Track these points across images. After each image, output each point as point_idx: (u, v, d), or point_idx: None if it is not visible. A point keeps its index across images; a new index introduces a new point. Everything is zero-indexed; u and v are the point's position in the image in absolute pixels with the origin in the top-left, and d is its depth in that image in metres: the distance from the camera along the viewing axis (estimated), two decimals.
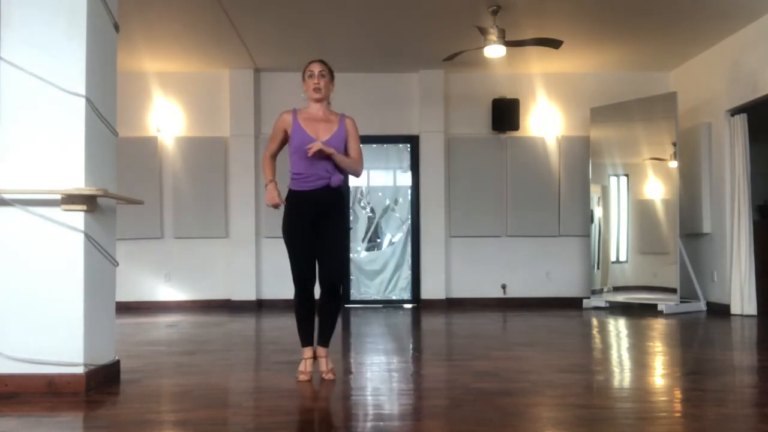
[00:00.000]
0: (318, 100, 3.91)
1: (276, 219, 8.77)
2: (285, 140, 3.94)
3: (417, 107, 9.00)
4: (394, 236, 9.19)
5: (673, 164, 8.08)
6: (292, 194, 3.91)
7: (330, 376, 3.89)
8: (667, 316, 7.52)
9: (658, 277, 8.26)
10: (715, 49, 8.03)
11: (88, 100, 3.66)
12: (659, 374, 4.22)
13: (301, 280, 3.91)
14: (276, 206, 3.88)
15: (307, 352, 3.94)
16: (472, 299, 8.94)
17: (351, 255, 9.13)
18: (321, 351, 3.96)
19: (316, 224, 3.87)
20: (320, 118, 3.91)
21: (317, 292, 3.91)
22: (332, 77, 3.98)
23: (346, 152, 3.93)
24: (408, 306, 8.91)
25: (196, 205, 8.87)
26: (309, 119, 3.90)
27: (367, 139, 8.85)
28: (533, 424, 3.00)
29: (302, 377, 3.87)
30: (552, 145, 9.12)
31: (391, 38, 7.74)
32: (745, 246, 7.44)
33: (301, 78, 3.98)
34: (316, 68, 3.90)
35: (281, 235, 3.97)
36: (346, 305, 8.91)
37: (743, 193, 7.50)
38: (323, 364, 3.93)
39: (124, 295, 7.11)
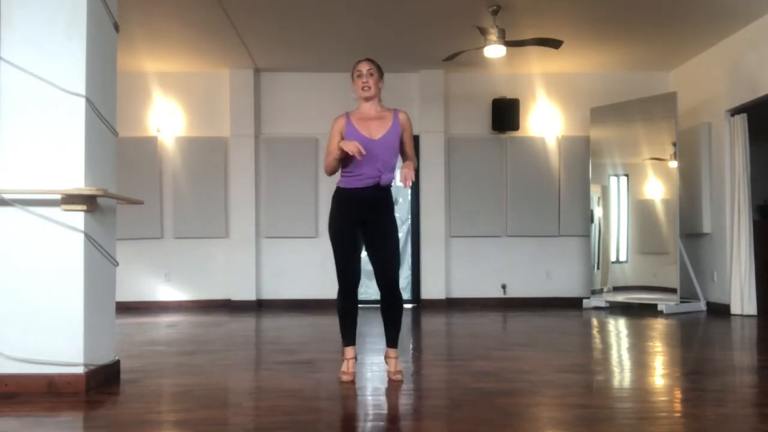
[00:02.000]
0: (368, 99, 3.88)
1: (276, 219, 8.82)
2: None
3: (417, 107, 9.00)
4: None
5: (673, 164, 8.07)
6: (340, 192, 3.87)
7: (398, 377, 3.83)
8: (667, 316, 7.52)
9: (658, 277, 8.26)
10: (715, 49, 8.02)
11: (88, 100, 3.66)
12: (659, 374, 4.22)
13: (346, 279, 3.83)
14: (359, 151, 3.62)
15: (349, 352, 3.89)
16: (472, 299, 8.94)
17: None
18: (390, 352, 3.90)
19: (366, 223, 3.82)
20: (372, 116, 3.88)
21: (370, 292, 3.86)
22: (381, 75, 3.94)
23: (401, 147, 3.89)
24: (408, 306, 8.92)
25: (196, 205, 8.87)
26: (361, 119, 3.87)
27: None
28: (533, 424, 3.00)
29: (345, 377, 3.82)
30: (552, 145, 9.12)
31: (391, 38, 7.73)
32: (745, 246, 7.44)
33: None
34: (364, 67, 3.88)
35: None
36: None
37: (743, 193, 7.49)
38: (392, 365, 3.88)
39: (124, 295, 7.11)
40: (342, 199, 3.86)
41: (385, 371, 3.95)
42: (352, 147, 3.63)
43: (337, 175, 3.98)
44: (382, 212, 3.86)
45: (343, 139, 3.83)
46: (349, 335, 3.92)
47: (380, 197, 3.84)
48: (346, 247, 3.84)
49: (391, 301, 3.89)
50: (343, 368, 3.88)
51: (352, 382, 3.81)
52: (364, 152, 3.66)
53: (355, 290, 3.87)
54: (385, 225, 3.85)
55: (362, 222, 3.83)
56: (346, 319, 3.91)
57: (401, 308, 3.95)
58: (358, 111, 3.92)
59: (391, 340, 3.92)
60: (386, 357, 3.94)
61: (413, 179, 3.75)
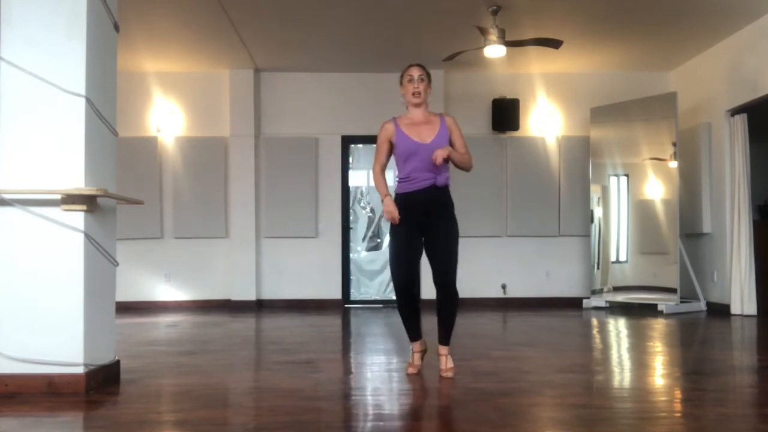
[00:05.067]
0: (418, 105, 3.93)
1: (276, 219, 8.82)
2: (391, 150, 3.96)
3: None
4: None
5: (673, 164, 8.08)
6: (398, 197, 3.92)
7: (449, 374, 3.89)
8: (667, 316, 7.52)
9: (658, 277, 8.26)
10: (715, 49, 8.03)
11: (88, 100, 3.66)
12: (659, 374, 4.22)
13: (401, 285, 3.88)
14: (395, 220, 3.85)
15: (416, 345, 4.02)
16: (472, 299, 8.93)
17: (351, 255, 9.15)
18: (442, 350, 3.97)
19: (426, 225, 3.87)
20: (421, 121, 3.94)
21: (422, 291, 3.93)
22: (430, 80, 3.98)
23: (452, 146, 3.95)
24: None
25: (196, 205, 8.87)
26: (411, 124, 3.92)
27: (368, 139, 8.90)
28: (533, 424, 3.00)
29: (411, 370, 3.98)
30: (552, 145, 9.12)
31: (391, 38, 7.73)
32: (745, 246, 7.44)
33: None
34: (416, 72, 3.93)
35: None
36: (345, 305, 8.92)
37: (743, 193, 7.50)
38: (443, 362, 3.95)
39: (124, 295, 7.10)
40: (403, 203, 3.90)
41: (438, 369, 3.99)
42: (390, 216, 3.84)
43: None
44: (442, 213, 3.91)
45: (392, 145, 3.92)
46: (413, 331, 4.03)
47: (438, 197, 3.90)
48: (404, 254, 3.87)
49: (447, 301, 3.93)
50: (411, 360, 4.05)
51: (418, 374, 3.94)
52: (396, 221, 3.83)
53: (411, 289, 3.92)
54: (445, 226, 3.90)
55: (423, 223, 3.88)
56: (409, 318, 4.00)
57: (457, 307, 3.99)
58: (406, 116, 3.98)
59: (445, 339, 3.97)
60: (438, 354, 3.99)
61: (445, 157, 3.76)
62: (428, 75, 3.97)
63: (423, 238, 3.92)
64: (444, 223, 3.90)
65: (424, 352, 4.05)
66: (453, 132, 3.96)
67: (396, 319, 7.49)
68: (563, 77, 9.08)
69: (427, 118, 3.96)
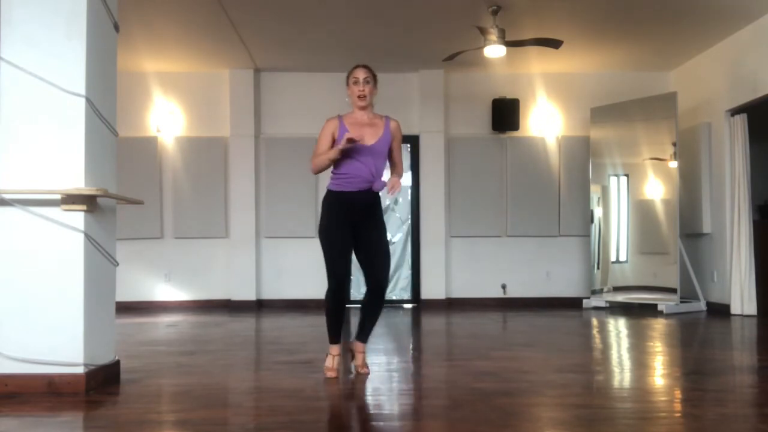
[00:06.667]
0: (363, 108, 3.93)
1: (276, 219, 8.81)
2: (332, 145, 3.92)
3: (417, 107, 9.00)
4: (394, 236, 9.18)
5: (673, 164, 8.07)
6: (332, 194, 3.92)
7: (365, 370, 3.99)
8: (667, 316, 7.52)
9: (658, 277, 8.26)
10: (715, 49, 8.03)
11: (88, 100, 3.66)
12: (659, 374, 4.22)
13: (338, 279, 3.87)
14: (351, 140, 3.73)
15: (335, 349, 4.00)
16: (472, 299, 8.94)
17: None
18: (359, 346, 4.01)
19: (358, 227, 3.89)
20: (365, 122, 3.94)
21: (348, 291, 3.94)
22: (376, 82, 3.98)
23: (389, 154, 4.00)
24: (408, 306, 8.92)
25: (196, 205, 8.87)
26: (354, 124, 3.91)
27: None
28: (533, 424, 3.00)
29: (330, 374, 3.93)
30: (552, 145, 9.12)
31: (391, 38, 7.74)
32: (745, 246, 7.44)
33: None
34: (361, 75, 3.91)
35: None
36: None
37: (743, 193, 7.50)
38: (360, 359, 4.01)
39: (124, 295, 7.10)
40: (336, 201, 3.92)
41: (355, 366, 4.05)
42: (348, 140, 3.72)
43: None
44: (374, 217, 3.95)
45: (334, 140, 3.90)
46: (336, 333, 4.01)
47: (372, 202, 3.94)
48: (340, 248, 3.88)
49: (377, 303, 3.98)
50: (327, 364, 3.99)
51: (337, 378, 3.90)
52: (357, 140, 3.75)
53: (347, 290, 4.00)
54: (377, 229, 3.95)
55: (355, 225, 3.90)
56: (335, 319, 3.99)
57: (381, 309, 4.06)
58: (351, 115, 3.98)
59: (364, 336, 4.04)
60: (356, 351, 4.02)
61: (399, 189, 3.88)
62: (374, 77, 3.95)
63: (353, 239, 3.92)
64: (377, 229, 3.94)
65: (340, 355, 4.03)
66: (395, 139, 3.99)
67: (396, 319, 7.51)
68: (563, 77, 9.08)
69: (372, 121, 3.95)
